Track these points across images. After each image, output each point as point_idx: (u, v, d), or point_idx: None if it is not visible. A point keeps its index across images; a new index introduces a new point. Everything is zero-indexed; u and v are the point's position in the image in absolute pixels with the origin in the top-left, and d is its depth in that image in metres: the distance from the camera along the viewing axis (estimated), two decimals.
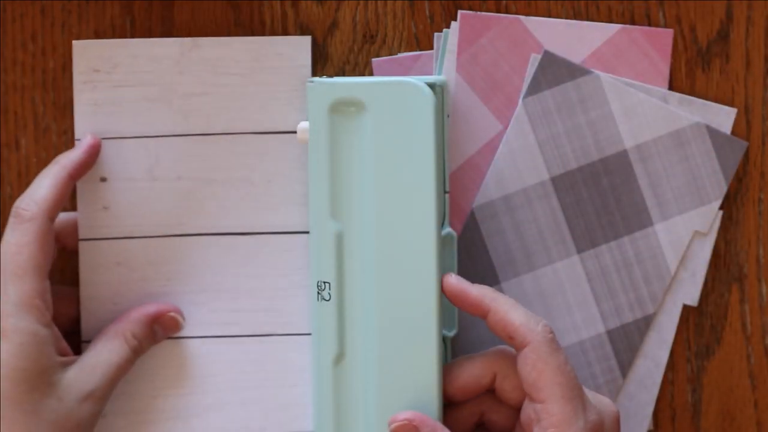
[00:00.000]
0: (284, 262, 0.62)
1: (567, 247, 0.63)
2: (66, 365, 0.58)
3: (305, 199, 0.62)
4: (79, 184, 0.62)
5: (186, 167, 0.62)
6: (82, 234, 0.62)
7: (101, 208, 0.62)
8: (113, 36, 0.64)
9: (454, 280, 0.58)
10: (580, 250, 0.63)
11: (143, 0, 0.64)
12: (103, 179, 0.62)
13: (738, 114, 0.64)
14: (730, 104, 0.64)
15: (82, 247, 0.62)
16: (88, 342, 0.61)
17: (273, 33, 0.64)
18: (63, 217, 0.62)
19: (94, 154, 0.61)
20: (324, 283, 0.59)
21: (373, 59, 0.64)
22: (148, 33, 0.64)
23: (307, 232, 0.62)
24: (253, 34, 0.64)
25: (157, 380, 0.62)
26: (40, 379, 0.56)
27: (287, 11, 0.64)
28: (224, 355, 0.62)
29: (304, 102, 0.61)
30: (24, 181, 0.64)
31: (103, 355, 0.59)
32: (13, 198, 0.64)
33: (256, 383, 0.62)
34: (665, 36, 0.64)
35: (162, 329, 0.61)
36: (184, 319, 0.62)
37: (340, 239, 0.59)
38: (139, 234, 0.62)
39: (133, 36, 0.64)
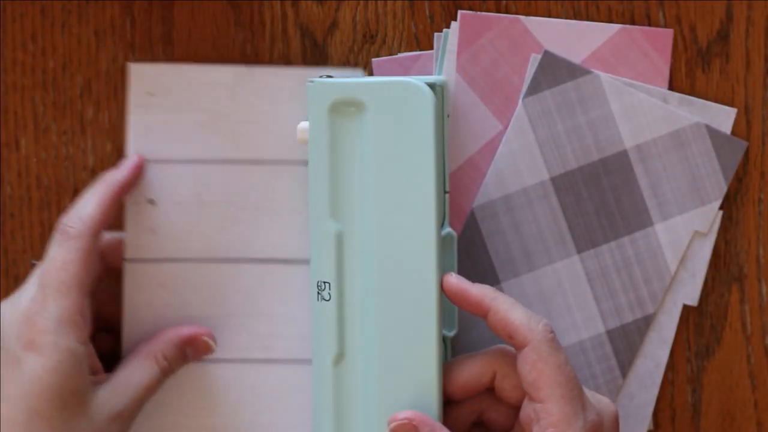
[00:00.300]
0: None
1: (567, 247, 0.63)
2: (98, 384, 0.58)
3: None
4: (128, 206, 0.62)
5: (234, 193, 0.62)
6: (128, 254, 0.62)
7: (148, 229, 0.62)
8: (113, 36, 0.64)
9: (454, 280, 0.58)
10: (580, 250, 0.63)
11: (143, 0, 0.64)
12: (152, 201, 0.62)
13: (738, 114, 0.64)
14: (730, 104, 0.64)
15: (127, 267, 0.62)
16: None
17: (273, 33, 0.64)
18: (109, 236, 0.62)
19: (138, 173, 0.61)
20: (324, 283, 0.59)
21: (373, 59, 0.64)
22: (148, 33, 0.64)
23: None
24: (253, 34, 0.64)
25: (190, 401, 0.62)
26: (73, 398, 0.56)
27: (287, 11, 0.64)
28: (261, 380, 0.63)
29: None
30: (24, 181, 0.64)
31: (134, 375, 0.59)
32: (14, 198, 0.64)
33: (293, 408, 0.62)
34: (665, 36, 0.64)
35: (193, 352, 0.62)
36: (215, 343, 0.62)
37: (340, 239, 0.59)
38: (184, 257, 0.62)
39: (132, 36, 0.64)
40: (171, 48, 0.64)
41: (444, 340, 0.60)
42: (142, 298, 0.62)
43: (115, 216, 0.60)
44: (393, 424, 0.57)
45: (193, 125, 0.62)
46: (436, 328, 0.58)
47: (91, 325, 0.58)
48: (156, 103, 0.62)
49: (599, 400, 0.57)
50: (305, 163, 0.60)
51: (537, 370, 0.55)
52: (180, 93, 0.62)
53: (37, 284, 0.58)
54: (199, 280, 0.62)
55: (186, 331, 0.61)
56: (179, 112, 0.62)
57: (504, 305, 0.57)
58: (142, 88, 0.62)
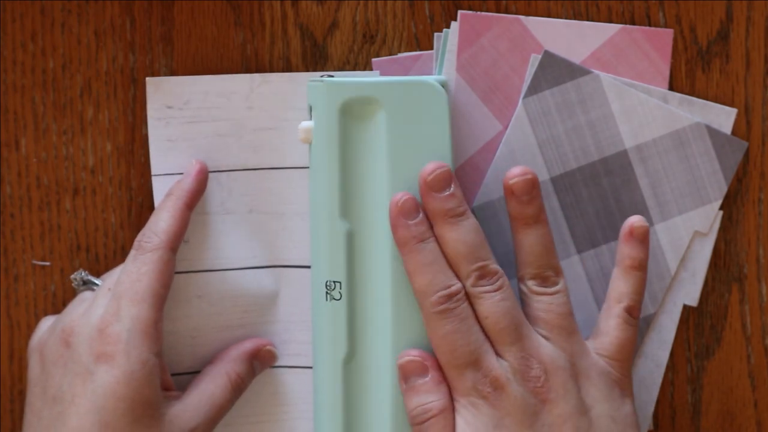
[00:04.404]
0: None
1: (567, 247, 0.63)
2: (170, 399, 0.58)
3: None
4: None
5: (256, 200, 0.63)
6: None
7: (182, 241, 0.62)
8: (113, 36, 0.64)
9: (395, 207, 0.58)
10: (580, 250, 0.63)
11: (143, 0, 0.64)
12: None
13: (738, 114, 0.64)
14: (730, 104, 0.64)
15: None
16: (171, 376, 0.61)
17: (273, 33, 0.64)
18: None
19: (203, 180, 0.62)
20: (334, 282, 0.59)
21: (374, 59, 0.64)
22: (148, 33, 0.64)
23: None
24: (253, 34, 0.64)
25: (233, 411, 0.62)
26: (145, 411, 0.56)
27: (287, 11, 0.64)
28: (296, 385, 0.63)
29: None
30: (24, 181, 0.64)
31: (207, 392, 0.59)
32: (14, 198, 0.64)
33: None
34: (665, 36, 0.64)
35: (260, 364, 0.62)
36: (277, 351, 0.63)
37: (350, 239, 0.59)
38: (217, 267, 0.63)
39: (132, 36, 0.64)
40: (171, 48, 0.64)
41: None
42: (179, 311, 0.62)
43: (186, 226, 0.61)
44: (404, 359, 0.58)
45: (213, 135, 0.63)
46: None
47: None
48: (175, 116, 0.63)
49: (525, 364, 0.56)
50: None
51: (428, 334, 0.57)
52: (198, 104, 0.63)
53: (111, 296, 0.58)
54: (231, 289, 0.63)
55: (249, 345, 0.62)
56: (198, 123, 0.63)
57: (414, 265, 0.57)
58: (159, 101, 0.62)
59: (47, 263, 0.64)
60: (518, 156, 0.63)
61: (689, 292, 0.64)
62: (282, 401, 0.63)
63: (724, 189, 0.63)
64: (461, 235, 0.57)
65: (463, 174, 0.63)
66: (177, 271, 0.62)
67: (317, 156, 0.59)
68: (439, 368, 0.57)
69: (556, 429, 0.55)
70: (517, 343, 0.56)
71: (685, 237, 0.63)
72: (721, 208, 0.64)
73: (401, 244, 0.57)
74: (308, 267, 0.63)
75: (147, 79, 0.63)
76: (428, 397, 0.57)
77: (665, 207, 0.63)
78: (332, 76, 0.60)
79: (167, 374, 0.60)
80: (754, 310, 0.65)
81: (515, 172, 0.58)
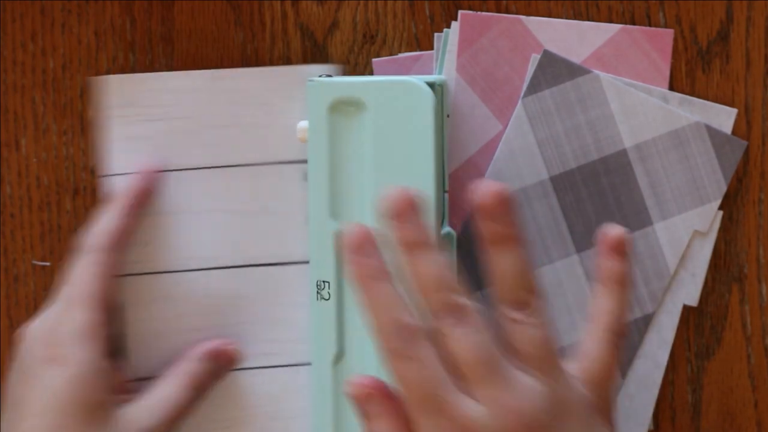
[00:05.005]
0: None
1: (566, 246, 0.63)
2: (125, 402, 0.58)
3: None
4: None
5: (219, 199, 0.62)
6: (124, 270, 0.62)
7: (142, 243, 0.61)
8: (113, 36, 0.64)
9: (350, 240, 0.54)
10: (579, 250, 0.63)
11: (143, 0, 0.64)
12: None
13: (738, 114, 0.64)
14: (730, 104, 0.64)
15: (126, 283, 0.62)
16: (136, 381, 0.61)
17: (273, 33, 0.64)
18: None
19: (153, 179, 0.61)
20: (323, 282, 0.59)
21: (374, 59, 0.64)
22: (148, 33, 0.64)
23: None
24: (253, 34, 0.64)
25: (203, 416, 0.62)
26: (96, 412, 0.56)
27: (287, 11, 0.64)
28: (264, 386, 0.62)
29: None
30: (24, 181, 0.64)
31: (164, 393, 0.59)
32: (14, 198, 0.64)
33: (297, 412, 0.62)
34: (665, 36, 0.64)
35: (224, 364, 0.61)
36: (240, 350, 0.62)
37: (339, 239, 0.59)
38: (181, 268, 0.62)
39: (132, 36, 0.64)
40: (171, 48, 0.64)
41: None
42: (143, 313, 0.62)
43: (136, 227, 0.60)
44: (353, 390, 0.54)
45: (174, 134, 0.62)
46: None
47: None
48: (127, 115, 0.61)
49: (501, 405, 0.51)
50: (282, 163, 0.60)
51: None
52: (157, 102, 0.62)
53: (57, 300, 0.58)
54: (194, 290, 0.62)
55: (210, 345, 0.61)
56: (158, 122, 0.62)
57: (370, 302, 0.53)
58: (117, 99, 0.61)
59: (47, 263, 0.64)
60: (518, 155, 0.63)
61: (689, 292, 0.64)
62: (254, 402, 0.62)
63: (724, 188, 0.63)
64: (423, 267, 0.52)
65: (463, 174, 0.63)
66: (140, 273, 0.61)
67: (310, 155, 0.59)
68: (389, 395, 0.53)
69: None
70: (489, 382, 0.51)
71: (685, 236, 0.63)
72: (722, 207, 0.64)
73: (354, 280, 0.53)
74: (274, 265, 0.62)
75: (105, 77, 0.62)
76: (381, 424, 0.53)
77: (665, 206, 0.63)
78: (330, 75, 0.60)
79: (122, 376, 0.59)
80: (754, 310, 0.64)
81: (485, 187, 0.53)
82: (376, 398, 0.53)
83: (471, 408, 0.50)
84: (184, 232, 0.62)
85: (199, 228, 0.62)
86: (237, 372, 0.62)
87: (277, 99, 0.62)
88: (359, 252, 0.53)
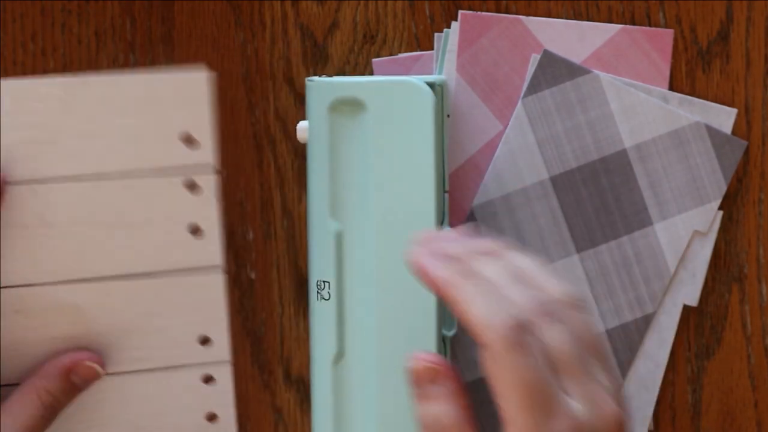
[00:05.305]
0: (192, 300, 0.61)
1: (566, 246, 0.63)
2: None
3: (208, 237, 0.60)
4: None
5: (79, 211, 0.59)
6: None
7: None
8: (113, 36, 0.64)
9: (415, 254, 0.52)
10: (579, 250, 0.63)
11: (143, 0, 0.64)
12: None
13: (738, 114, 0.64)
14: (730, 104, 0.64)
15: None
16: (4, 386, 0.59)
17: (273, 33, 0.64)
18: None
19: None
20: (323, 282, 0.59)
21: (374, 59, 0.64)
22: (148, 33, 0.64)
23: (210, 268, 0.60)
24: (253, 34, 0.64)
25: (67, 420, 0.60)
26: None
27: (287, 11, 0.64)
28: (142, 389, 0.61)
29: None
30: None
31: (14, 411, 0.56)
32: None
33: (175, 412, 0.62)
34: (665, 36, 0.64)
35: (80, 380, 0.58)
36: (103, 365, 0.59)
37: (339, 238, 0.59)
38: (38, 281, 0.59)
39: (132, 36, 0.64)
40: (171, 48, 0.64)
41: (444, 339, 0.60)
42: (5, 323, 0.59)
43: None
44: (418, 364, 0.52)
45: (28, 143, 0.58)
46: (435, 328, 0.58)
47: None
48: None
49: (599, 404, 0.50)
50: (152, 172, 0.58)
51: (493, 373, 0.48)
52: (8, 110, 0.58)
53: None
54: (56, 303, 0.59)
55: (66, 360, 0.58)
56: (9, 131, 0.58)
57: (467, 295, 0.49)
58: None
59: None
60: (518, 155, 0.63)
61: (689, 292, 0.64)
62: (123, 409, 0.61)
63: (724, 188, 0.63)
64: None
65: (463, 174, 0.63)
66: None
67: (310, 155, 0.59)
68: (456, 378, 0.52)
69: None
70: (584, 379, 0.49)
71: (685, 236, 0.63)
72: (721, 207, 0.64)
73: None
74: (139, 275, 0.60)
75: None
76: (440, 407, 0.52)
77: (664, 206, 0.63)
78: (330, 76, 0.60)
79: None
80: (754, 310, 0.64)
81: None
82: (442, 376, 0.52)
83: (574, 406, 0.49)
84: (42, 246, 0.59)
85: (59, 241, 0.59)
86: (109, 377, 0.60)
87: (145, 106, 0.59)
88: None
